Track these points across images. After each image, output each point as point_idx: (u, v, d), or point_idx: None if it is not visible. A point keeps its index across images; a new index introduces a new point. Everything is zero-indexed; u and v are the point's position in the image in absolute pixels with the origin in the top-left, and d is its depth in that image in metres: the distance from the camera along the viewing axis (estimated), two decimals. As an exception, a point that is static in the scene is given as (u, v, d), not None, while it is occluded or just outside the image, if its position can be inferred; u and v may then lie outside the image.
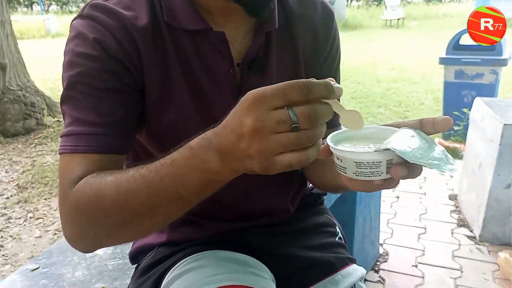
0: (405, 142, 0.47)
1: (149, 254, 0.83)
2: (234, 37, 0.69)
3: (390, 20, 12.63)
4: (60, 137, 0.62)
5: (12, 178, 3.12)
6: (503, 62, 3.12)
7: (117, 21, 0.62)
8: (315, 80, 0.43)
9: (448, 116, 0.52)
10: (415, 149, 0.46)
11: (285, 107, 0.42)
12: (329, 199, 1.46)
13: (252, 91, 0.43)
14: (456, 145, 3.21)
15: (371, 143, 0.51)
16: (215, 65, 0.68)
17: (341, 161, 0.49)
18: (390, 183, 0.49)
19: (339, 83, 0.81)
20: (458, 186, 2.55)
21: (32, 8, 20.23)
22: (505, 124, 1.94)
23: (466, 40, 3.45)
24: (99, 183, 0.55)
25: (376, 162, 0.47)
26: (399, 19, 12.60)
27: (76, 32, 0.63)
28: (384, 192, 2.66)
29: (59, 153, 0.62)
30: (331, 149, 0.49)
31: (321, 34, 0.77)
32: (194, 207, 0.59)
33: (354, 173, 0.48)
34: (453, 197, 2.56)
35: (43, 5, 18.56)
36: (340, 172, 0.50)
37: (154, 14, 0.65)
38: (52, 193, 2.85)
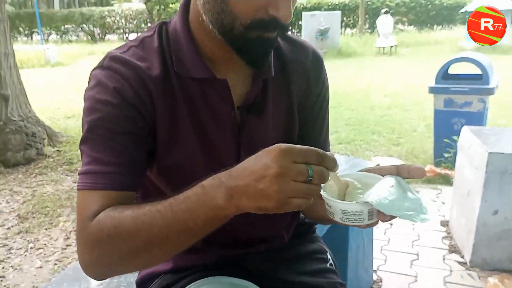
0: (384, 193, 0.56)
1: (155, 281, 0.89)
2: (235, 83, 0.78)
3: (383, 47, 12.93)
4: (79, 174, 0.70)
5: (13, 208, 3.16)
6: (490, 91, 3.24)
7: (133, 71, 0.71)
8: (328, 153, 0.56)
9: (422, 167, 0.62)
10: (392, 200, 0.55)
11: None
12: (322, 227, 1.52)
13: (280, 144, 0.54)
14: (447, 171, 3.30)
15: (353, 194, 0.60)
16: (219, 108, 0.77)
17: (330, 207, 0.59)
18: (375, 223, 0.59)
19: (328, 120, 0.94)
20: (449, 212, 2.62)
21: (32, 38, 20.58)
22: (490, 153, 2.03)
23: (455, 69, 3.60)
24: (118, 216, 0.63)
25: (359, 211, 0.56)
26: (392, 46, 12.89)
27: (97, 81, 0.72)
28: (378, 219, 2.73)
29: (77, 189, 0.69)
30: (323, 197, 0.58)
31: (312, 78, 0.87)
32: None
33: (340, 218, 0.58)
34: (444, 223, 2.63)
35: (43, 34, 18.90)
36: (329, 215, 0.59)
37: (165, 65, 0.74)
38: (52, 223, 2.90)
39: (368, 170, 0.66)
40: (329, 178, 0.57)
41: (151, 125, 0.73)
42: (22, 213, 3.05)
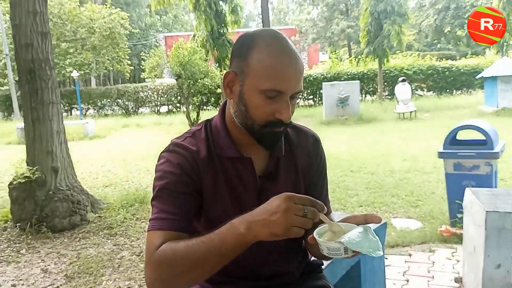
0: (353, 236, 0.89)
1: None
2: (257, 160, 1.15)
3: (403, 113, 13.32)
4: (149, 220, 1.05)
5: (60, 269, 3.50)
6: (495, 155, 3.49)
7: (189, 153, 1.10)
8: (318, 201, 0.89)
9: (378, 215, 0.96)
10: (358, 241, 0.87)
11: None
12: (335, 275, 1.78)
13: (286, 193, 0.89)
14: (461, 231, 3.47)
15: (338, 236, 0.93)
16: (246, 177, 1.14)
17: (320, 246, 0.92)
18: (350, 257, 0.90)
19: (327, 183, 1.29)
20: (462, 269, 2.79)
21: (71, 113, 22.09)
22: (487, 211, 2.28)
23: (462, 135, 3.89)
24: (175, 245, 0.96)
25: (337, 248, 0.89)
26: (411, 112, 13.27)
27: (165, 159, 1.10)
28: (394, 276, 2.92)
29: (148, 230, 1.04)
30: (316, 239, 0.91)
31: (312, 155, 1.25)
32: (231, 270, 1.01)
33: (327, 253, 0.91)
34: (458, 280, 2.79)
35: (82, 109, 20.31)
36: (321, 252, 0.92)
37: (209, 149, 1.13)
38: (96, 282, 3.20)
39: (347, 219, 0.99)
40: (322, 221, 0.89)
41: (199, 190, 1.10)
42: (69, 273, 3.37)
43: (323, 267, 1.36)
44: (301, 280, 1.25)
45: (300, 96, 1.11)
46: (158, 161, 1.12)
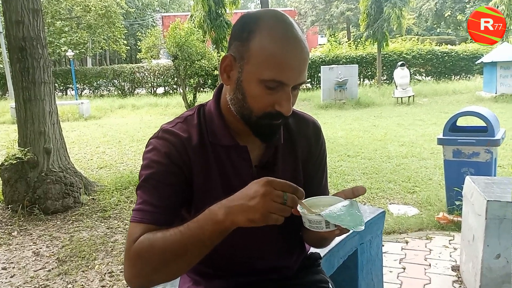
0: (335, 210, 0.84)
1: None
2: (253, 148, 1.07)
3: (401, 97, 13.23)
4: (132, 210, 0.98)
5: (52, 252, 3.45)
6: (496, 143, 3.44)
7: (179, 140, 1.01)
8: (299, 188, 0.83)
9: (363, 187, 0.92)
10: (339, 215, 0.83)
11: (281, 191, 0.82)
12: (332, 266, 1.73)
13: (266, 177, 0.83)
14: (459, 218, 3.44)
15: (321, 208, 0.88)
16: (240, 167, 1.05)
17: (303, 218, 0.86)
18: (332, 234, 0.86)
19: (327, 172, 1.22)
20: (459, 257, 2.76)
21: (66, 93, 21.84)
22: (488, 200, 2.22)
23: (462, 122, 3.83)
24: (152, 237, 0.90)
25: (318, 221, 0.84)
26: (409, 96, 13.19)
27: (153, 146, 1.01)
28: (390, 263, 2.89)
29: (130, 221, 0.97)
30: (299, 212, 0.85)
31: (313, 143, 1.16)
32: (224, 264, 0.94)
33: (308, 226, 0.86)
34: (455, 268, 2.76)
35: (77, 89, 20.07)
36: (303, 224, 0.87)
37: (202, 136, 1.04)
38: (88, 266, 3.15)
39: (337, 194, 0.94)
40: (301, 206, 0.84)
41: (189, 180, 1.02)
42: (61, 257, 3.32)
43: (320, 260, 1.30)
44: (298, 275, 1.18)
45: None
46: (146, 147, 1.04)
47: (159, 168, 0.98)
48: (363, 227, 0.81)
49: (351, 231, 0.87)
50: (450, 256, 2.97)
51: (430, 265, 2.86)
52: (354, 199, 0.90)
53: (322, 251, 1.62)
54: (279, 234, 1.11)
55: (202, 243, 0.86)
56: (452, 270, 2.76)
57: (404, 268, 2.83)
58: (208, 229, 0.85)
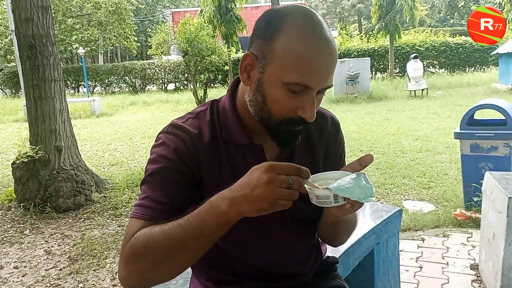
0: (344, 183, 0.79)
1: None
2: (268, 148, 1.00)
3: (415, 91, 13.02)
4: (135, 205, 0.92)
5: (64, 250, 3.44)
6: (515, 136, 3.32)
7: (189, 137, 0.95)
8: (303, 167, 0.78)
9: (370, 154, 0.85)
10: (347, 187, 0.77)
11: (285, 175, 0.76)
12: (347, 267, 1.67)
13: (267, 162, 0.77)
14: (478, 215, 3.33)
15: (329, 182, 0.82)
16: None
17: (309, 195, 0.80)
18: (344, 210, 0.80)
19: None
20: (478, 255, 2.67)
21: (78, 90, 22.00)
22: (510, 197, 2.13)
23: (480, 115, 3.71)
24: (149, 232, 0.83)
25: (326, 195, 0.78)
26: (423, 89, 12.96)
27: (162, 141, 0.96)
28: (407, 262, 2.81)
29: (130, 217, 0.91)
30: (306, 189, 0.79)
31: (331, 139, 1.09)
32: (237, 269, 0.88)
33: (316, 202, 0.80)
34: (474, 267, 2.67)
35: (89, 87, 20.20)
36: (311, 201, 0.81)
37: (214, 133, 0.98)
38: (100, 264, 3.13)
39: (344, 168, 0.87)
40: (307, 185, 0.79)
41: (198, 178, 0.95)
42: (73, 255, 3.31)
43: (337, 265, 1.23)
44: (314, 281, 1.12)
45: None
46: (155, 141, 0.99)
47: (167, 164, 0.92)
48: (373, 199, 0.76)
49: (363, 204, 0.82)
50: (469, 254, 2.88)
51: (447, 264, 2.77)
52: (362, 171, 0.84)
53: (337, 253, 1.56)
54: (295, 239, 1.05)
55: (204, 236, 0.80)
56: (471, 269, 2.67)
57: (421, 267, 2.75)
58: (212, 221, 0.79)
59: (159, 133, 0.99)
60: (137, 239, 0.83)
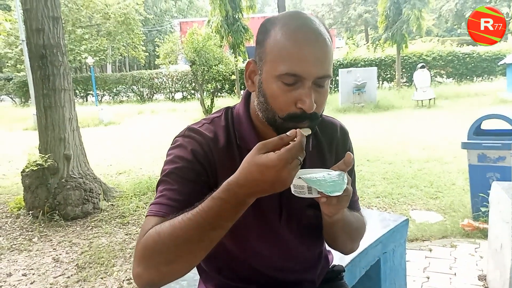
0: (318, 176, 0.83)
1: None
2: None
3: (422, 100, 12.99)
4: (150, 204, 0.93)
5: (72, 258, 3.47)
6: (523, 146, 3.31)
7: (205, 140, 0.98)
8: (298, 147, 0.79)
9: (349, 153, 0.88)
10: (319, 180, 0.82)
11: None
12: (354, 276, 1.67)
13: (278, 158, 0.76)
14: (485, 225, 3.31)
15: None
16: None
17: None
18: (328, 206, 0.87)
19: (355, 178, 1.16)
20: (486, 266, 2.65)
21: (87, 99, 22.22)
22: (517, 208, 2.12)
23: (487, 125, 3.70)
24: (159, 227, 0.83)
25: (301, 185, 0.83)
26: (430, 99, 12.93)
27: (179, 143, 0.99)
28: (414, 272, 2.79)
29: (146, 215, 0.92)
30: None
31: (340, 147, 1.12)
32: (245, 275, 0.90)
33: (293, 191, 0.85)
34: (482, 278, 2.65)
35: (97, 95, 20.39)
36: (291, 190, 0.85)
37: (229, 138, 1.01)
38: (107, 272, 3.15)
39: (333, 168, 0.90)
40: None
41: (212, 181, 0.97)
42: (80, 263, 3.33)
43: (343, 273, 1.24)
44: (321, 288, 1.13)
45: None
46: (171, 145, 1.02)
47: (183, 164, 0.95)
48: (340, 193, 0.80)
49: (341, 203, 0.87)
50: (476, 264, 2.86)
51: (455, 274, 2.75)
52: (345, 172, 0.87)
53: (344, 261, 1.57)
54: (303, 245, 1.07)
55: (222, 227, 0.81)
56: (479, 279, 2.65)
57: (428, 278, 2.73)
58: (231, 208, 0.79)
59: (176, 137, 1.03)
60: (149, 235, 0.84)
